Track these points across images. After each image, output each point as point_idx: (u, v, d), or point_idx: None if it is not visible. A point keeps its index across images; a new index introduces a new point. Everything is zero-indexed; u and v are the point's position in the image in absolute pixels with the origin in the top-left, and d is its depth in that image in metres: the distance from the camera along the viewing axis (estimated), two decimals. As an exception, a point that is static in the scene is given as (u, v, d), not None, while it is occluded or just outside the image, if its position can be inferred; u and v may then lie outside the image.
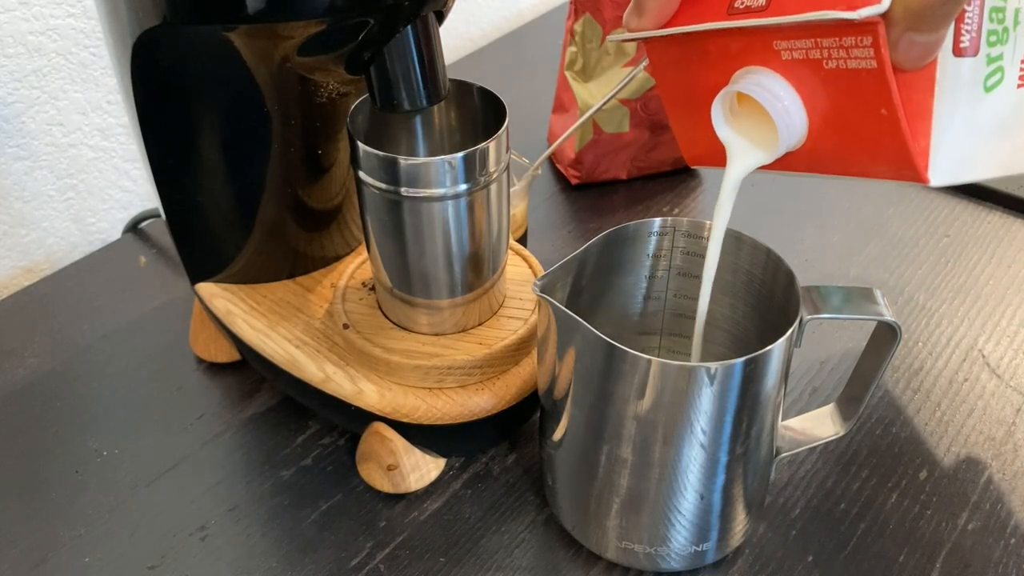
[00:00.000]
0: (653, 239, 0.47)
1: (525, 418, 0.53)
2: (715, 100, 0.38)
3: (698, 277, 0.44)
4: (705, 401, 0.39)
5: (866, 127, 0.34)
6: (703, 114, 0.39)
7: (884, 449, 0.54)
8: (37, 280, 0.69)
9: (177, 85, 0.47)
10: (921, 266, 0.68)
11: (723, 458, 0.42)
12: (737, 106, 0.39)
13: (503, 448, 0.54)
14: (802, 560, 0.48)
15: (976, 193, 0.74)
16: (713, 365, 0.38)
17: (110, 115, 0.74)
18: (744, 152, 0.39)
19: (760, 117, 0.37)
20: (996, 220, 0.72)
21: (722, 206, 0.41)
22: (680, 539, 0.45)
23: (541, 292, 0.41)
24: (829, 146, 0.36)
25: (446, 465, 0.53)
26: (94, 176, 0.75)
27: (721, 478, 0.43)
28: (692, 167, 0.45)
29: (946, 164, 0.34)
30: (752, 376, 0.39)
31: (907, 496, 0.51)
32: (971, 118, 0.34)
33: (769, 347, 0.39)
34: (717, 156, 0.40)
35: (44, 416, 0.57)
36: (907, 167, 0.34)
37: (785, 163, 0.38)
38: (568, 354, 0.42)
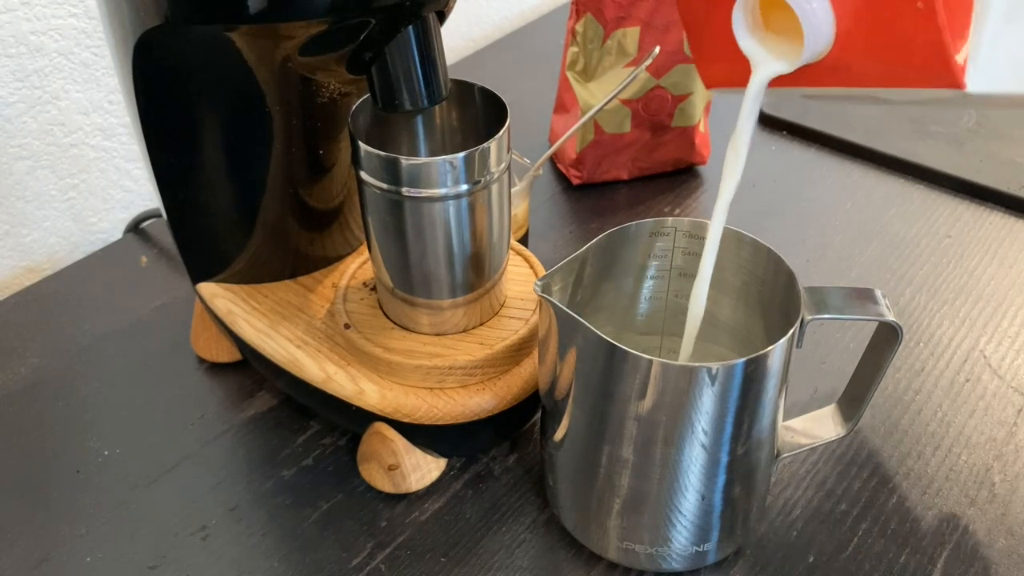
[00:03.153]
0: (654, 240, 0.47)
1: (526, 418, 0.53)
2: (736, 2, 0.36)
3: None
4: (706, 401, 0.39)
5: (899, 24, 0.31)
6: (721, 23, 0.36)
7: (885, 450, 0.54)
8: (38, 280, 0.69)
9: (179, 85, 0.47)
10: (922, 267, 0.68)
11: (724, 458, 0.42)
12: (759, 14, 0.36)
13: (504, 448, 0.54)
14: (803, 560, 0.48)
15: (978, 194, 0.74)
16: (714, 365, 0.38)
17: (111, 115, 0.74)
18: (766, 61, 0.36)
19: (785, 23, 0.34)
20: (998, 221, 0.72)
21: (741, 132, 0.38)
22: (681, 539, 0.45)
23: (542, 292, 0.41)
24: (858, 50, 0.33)
25: (447, 465, 0.53)
26: (95, 176, 0.75)
27: (722, 478, 0.43)
28: (709, 89, 0.42)
29: (985, 68, 0.31)
30: (753, 376, 0.39)
31: (908, 497, 0.51)
32: (1017, 16, 0.31)
33: (770, 347, 0.39)
34: (736, 75, 0.37)
35: (45, 416, 0.57)
36: (942, 70, 0.31)
37: (810, 76, 0.35)
38: (569, 354, 0.42)
